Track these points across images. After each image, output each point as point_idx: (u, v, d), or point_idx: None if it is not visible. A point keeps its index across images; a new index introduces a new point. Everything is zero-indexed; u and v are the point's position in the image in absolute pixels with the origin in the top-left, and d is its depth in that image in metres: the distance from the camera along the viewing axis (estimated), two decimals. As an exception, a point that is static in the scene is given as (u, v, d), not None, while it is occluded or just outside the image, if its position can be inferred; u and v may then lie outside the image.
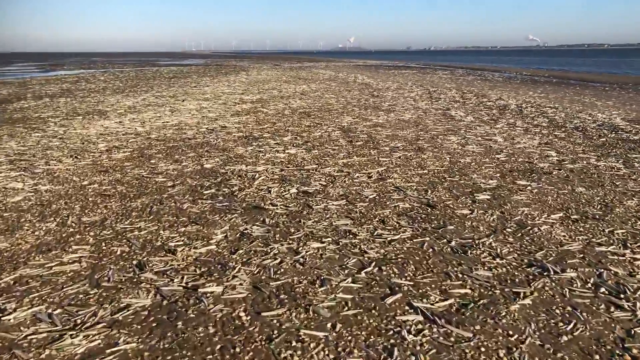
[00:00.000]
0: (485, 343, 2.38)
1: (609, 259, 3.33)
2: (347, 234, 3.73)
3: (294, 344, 2.37)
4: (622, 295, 2.84)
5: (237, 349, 2.33)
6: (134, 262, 3.24)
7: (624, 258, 3.34)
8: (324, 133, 8.16)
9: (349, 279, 3.00)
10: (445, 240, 3.63)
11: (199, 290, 2.87)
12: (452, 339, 2.41)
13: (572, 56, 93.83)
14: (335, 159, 6.24)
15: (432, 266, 3.20)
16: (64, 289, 2.87)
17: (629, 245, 3.54)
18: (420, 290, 2.88)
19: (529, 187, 5.02)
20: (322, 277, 3.02)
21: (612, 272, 3.14)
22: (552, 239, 3.65)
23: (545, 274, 3.10)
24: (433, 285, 2.95)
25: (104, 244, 3.53)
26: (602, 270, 3.16)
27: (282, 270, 3.13)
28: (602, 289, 2.92)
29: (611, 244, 3.56)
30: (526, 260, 3.29)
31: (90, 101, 13.00)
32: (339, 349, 2.32)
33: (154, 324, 2.53)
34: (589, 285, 2.98)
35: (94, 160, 6.19)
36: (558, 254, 3.40)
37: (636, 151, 6.93)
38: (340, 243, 3.54)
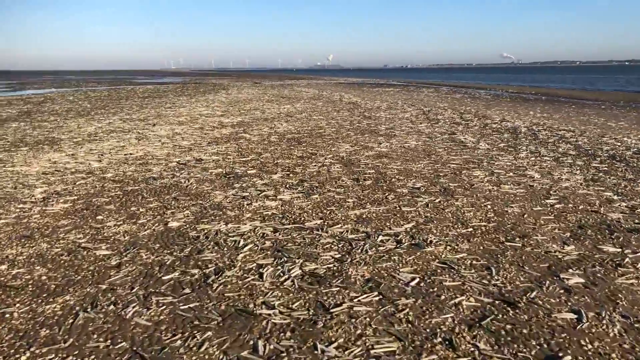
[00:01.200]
0: None
1: None
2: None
3: None
4: None
5: None
6: None
7: None
8: (322, 167, 6.58)
9: None
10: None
11: None
12: None
13: (546, 73, 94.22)
14: (343, 209, 4.65)
15: None
16: None
17: None
18: None
19: (626, 260, 3.46)
20: None
21: None
22: None
23: None
24: None
25: None
26: None
27: None
28: None
29: None
30: None
31: (46, 126, 11.22)
32: None
33: None
34: None
35: (19, 217, 4.49)
36: None
37: None
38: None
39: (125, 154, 7.63)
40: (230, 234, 3.99)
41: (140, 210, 4.69)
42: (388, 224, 4.27)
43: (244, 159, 7.25)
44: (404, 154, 7.67)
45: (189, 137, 9.44)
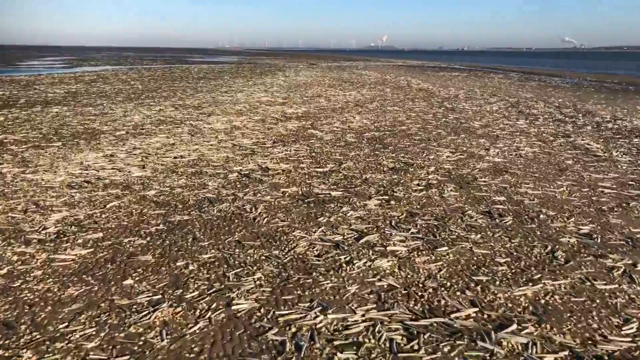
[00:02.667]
0: None
1: None
2: None
3: None
4: None
5: None
6: None
7: None
8: (429, 189, 4.82)
9: None
10: None
11: None
12: None
13: (613, 59, 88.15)
14: (499, 280, 2.91)
15: None
16: None
17: None
18: None
19: None
20: None
21: None
22: None
23: None
24: None
25: None
26: None
27: None
28: None
29: None
30: None
31: (89, 112, 9.81)
32: None
33: None
34: None
35: (10, 274, 2.94)
36: None
37: None
38: None
39: (174, 157, 6.06)
40: (333, 339, 2.26)
41: (190, 268, 3.06)
42: (594, 324, 2.44)
43: (320, 170, 5.55)
44: (528, 168, 5.79)
45: (250, 133, 7.80)
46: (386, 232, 3.71)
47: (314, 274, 3.01)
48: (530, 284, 2.92)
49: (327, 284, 2.89)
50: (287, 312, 2.56)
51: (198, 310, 2.57)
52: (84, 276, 2.95)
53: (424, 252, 3.37)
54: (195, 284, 2.85)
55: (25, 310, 2.55)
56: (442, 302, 2.70)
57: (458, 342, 2.32)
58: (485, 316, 2.55)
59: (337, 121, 9.22)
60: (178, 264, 3.14)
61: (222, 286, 2.84)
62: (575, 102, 13.82)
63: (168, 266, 3.10)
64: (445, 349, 2.26)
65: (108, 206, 4.24)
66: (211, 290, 2.78)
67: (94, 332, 2.35)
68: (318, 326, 2.44)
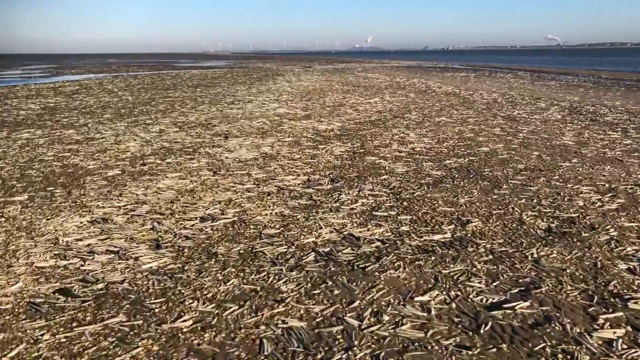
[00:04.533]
0: None
1: None
2: None
3: None
4: None
5: None
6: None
7: None
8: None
9: None
10: None
11: None
12: None
13: (600, 55, 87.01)
14: None
15: None
16: None
17: None
18: None
19: None
20: None
21: None
22: None
23: None
24: None
25: None
26: None
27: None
28: None
29: None
30: None
31: (70, 138, 7.50)
32: None
33: None
34: None
35: None
36: None
37: None
38: None
39: (202, 221, 3.83)
40: None
41: None
42: None
43: (441, 238, 3.29)
44: None
45: (291, 165, 5.62)
46: None
47: None
48: None
49: None
50: None
51: None
52: None
53: None
54: None
55: None
56: None
57: None
58: None
59: (393, 141, 7.04)
60: None
61: None
62: (624, 103, 11.83)
63: None
64: None
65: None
66: None
67: None
68: None
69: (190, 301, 2.61)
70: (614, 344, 2.22)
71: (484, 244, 3.34)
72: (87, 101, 12.78)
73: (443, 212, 4.03)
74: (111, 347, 2.20)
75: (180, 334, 2.29)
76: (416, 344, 2.22)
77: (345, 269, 3.00)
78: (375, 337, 2.27)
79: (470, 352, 2.16)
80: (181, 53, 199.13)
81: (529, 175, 5.19)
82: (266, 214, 3.99)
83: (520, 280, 2.83)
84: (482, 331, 2.32)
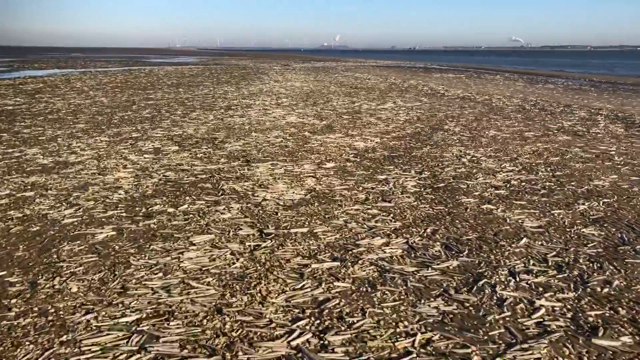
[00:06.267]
0: None
1: None
2: None
3: None
4: None
5: None
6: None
7: None
8: None
9: None
10: None
11: None
12: None
13: (564, 57, 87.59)
14: None
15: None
16: None
17: None
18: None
19: None
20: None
21: None
22: None
23: None
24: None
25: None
26: None
27: None
28: None
29: None
30: None
31: (35, 162, 5.42)
32: None
33: None
34: None
35: None
36: None
37: None
38: None
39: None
40: None
41: None
42: None
43: None
44: None
45: (365, 215, 3.80)
46: None
47: None
48: None
49: None
50: None
51: None
52: None
53: None
54: None
55: None
56: None
57: None
58: None
59: (465, 167, 5.19)
60: None
61: None
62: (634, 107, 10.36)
63: None
64: None
65: None
66: None
67: None
68: None
69: None
70: None
71: None
72: (54, 103, 10.52)
73: None
74: None
75: None
76: None
77: None
78: None
79: None
80: (147, 48, 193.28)
81: None
82: (388, 342, 2.09)
83: None
84: None
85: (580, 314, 2.44)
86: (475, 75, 25.79)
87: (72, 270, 2.83)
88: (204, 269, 2.87)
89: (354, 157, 5.86)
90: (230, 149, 6.18)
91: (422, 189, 4.55)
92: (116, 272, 2.80)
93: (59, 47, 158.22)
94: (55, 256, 3.01)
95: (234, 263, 2.95)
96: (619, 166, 5.55)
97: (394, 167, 5.36)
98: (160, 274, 2.79)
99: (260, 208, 3.94)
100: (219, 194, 4.27)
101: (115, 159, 5.51)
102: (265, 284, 2.69)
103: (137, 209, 3.86)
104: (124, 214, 3.73)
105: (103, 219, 3.63)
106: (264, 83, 17.08)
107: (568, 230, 3.57)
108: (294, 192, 4.36)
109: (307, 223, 3.63)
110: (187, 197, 4.16)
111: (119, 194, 4.21)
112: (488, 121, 8.82)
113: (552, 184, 4.79)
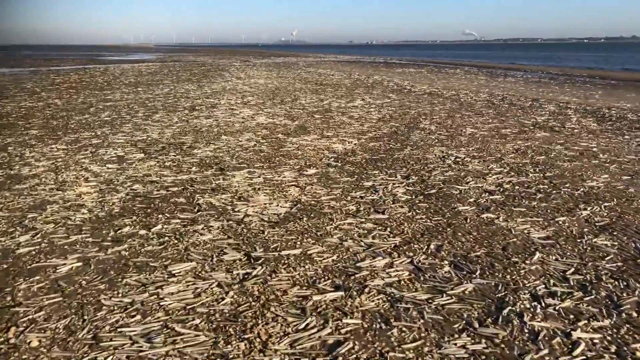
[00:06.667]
0: None
1: None
2: None
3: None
4: None
5: None
6: None
7: None
8: None
9: None
10: None
11: None
12: None
13: (518, 50, 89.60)
14: None
15: None
16: None
17: None
18: None
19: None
20: None
21: None
22: None
23: None
24: None
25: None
26: None
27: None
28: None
29: None
30: None
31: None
32: None
33: None
34: None
35: None
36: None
37: None
38: None
39: None
40: None
41: None
42: None
43: None
44: None
45: (359, 230, 3.61)
46: None
47: None
48: None
49: None
50: None
51: None
52: None
53: None
54: None
55: None
56: None
57: None
58: None
59: (452, 169, 4.93)
60: None
61: None
62: (632, 107, 10.46)
63: None
64: None
65: None
66: None
67: None
68: None
69: None
70: None
71: None
72: (2, 107, 9.74)
73: None
74: None
75: None
76: None
77: None
78: None
79: None
80: (101, 45, 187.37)
81: None
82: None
83: None
84: None
85: (624, 348, 2.15)
86: (436, 69, 25.82)
87: (30, 316, 2.37)
88: (188, 307, 2.46)
89: (335, 161, 5.51)
90: (200, 155, 5.72)
91: (414, 197, 4.24)
92: (85, 317, 2.36)
93: (8, 45, 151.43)
94: (9, 298, 2.54)
95: (223, 298, 2.54)
96: (607, 164, 5.39)
97: (378, 172, 5.03)
98: (138, 317, 2.36)
99: (243, 226, 3.53)
100: (195, 210, 3.84)
101: (75, 171, 4.97)
102: (263, 325, 2.29)
103: (104, 232, 3.39)
104: (89, 240, 3.25)
105: (66, 246, 3.15)
106: (227, 80, 16.51)
107: (579, 241, 3.31)
108: (278, 205, 3.96)
109: (298, 243, 3.25)
110: (160, 215, 3.71)
111: (82, 214, 3.71)
112: (462, 118, 8.61)
113: (546, 186, 4.55)
